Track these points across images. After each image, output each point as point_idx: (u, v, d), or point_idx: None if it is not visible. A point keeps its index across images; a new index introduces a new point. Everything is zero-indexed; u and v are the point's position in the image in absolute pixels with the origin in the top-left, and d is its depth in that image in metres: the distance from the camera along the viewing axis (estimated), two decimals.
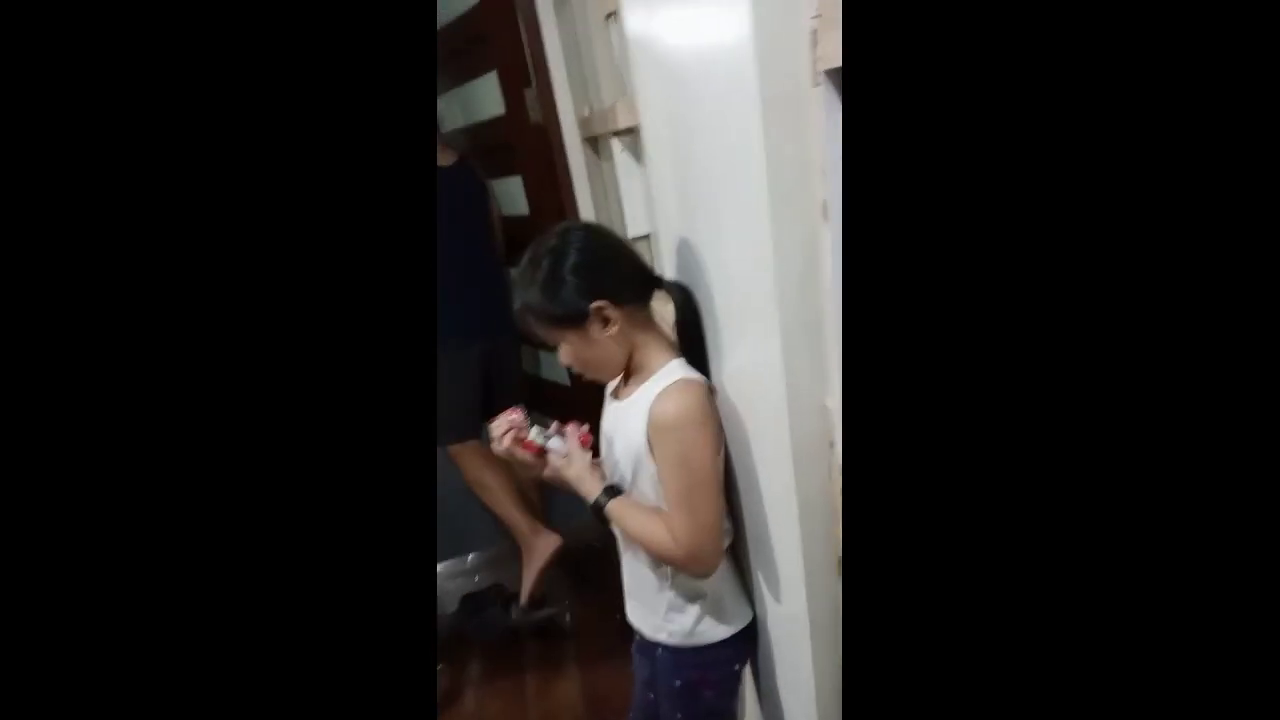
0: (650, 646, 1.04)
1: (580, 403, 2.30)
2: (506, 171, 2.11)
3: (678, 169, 0.88)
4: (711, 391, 0.86)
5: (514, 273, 0.90)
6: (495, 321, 1.85)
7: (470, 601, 2.03)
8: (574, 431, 0.98)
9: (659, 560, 0.91)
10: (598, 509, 0.91)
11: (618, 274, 0.87)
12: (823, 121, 0.56)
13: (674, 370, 0.87)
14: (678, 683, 0.99)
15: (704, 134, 0.75)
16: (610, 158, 1.52)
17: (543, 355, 2.51)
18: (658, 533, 0.86)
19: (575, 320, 0.84)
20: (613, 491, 0.91)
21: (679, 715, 1.01)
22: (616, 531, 0.96)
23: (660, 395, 0.83)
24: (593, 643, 1.82)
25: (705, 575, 0.90)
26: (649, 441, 0.85)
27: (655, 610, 0.98)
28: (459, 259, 1.78)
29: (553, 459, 0.96)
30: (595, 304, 0.83)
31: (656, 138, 0.95)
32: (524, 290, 0.86)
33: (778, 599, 0.87)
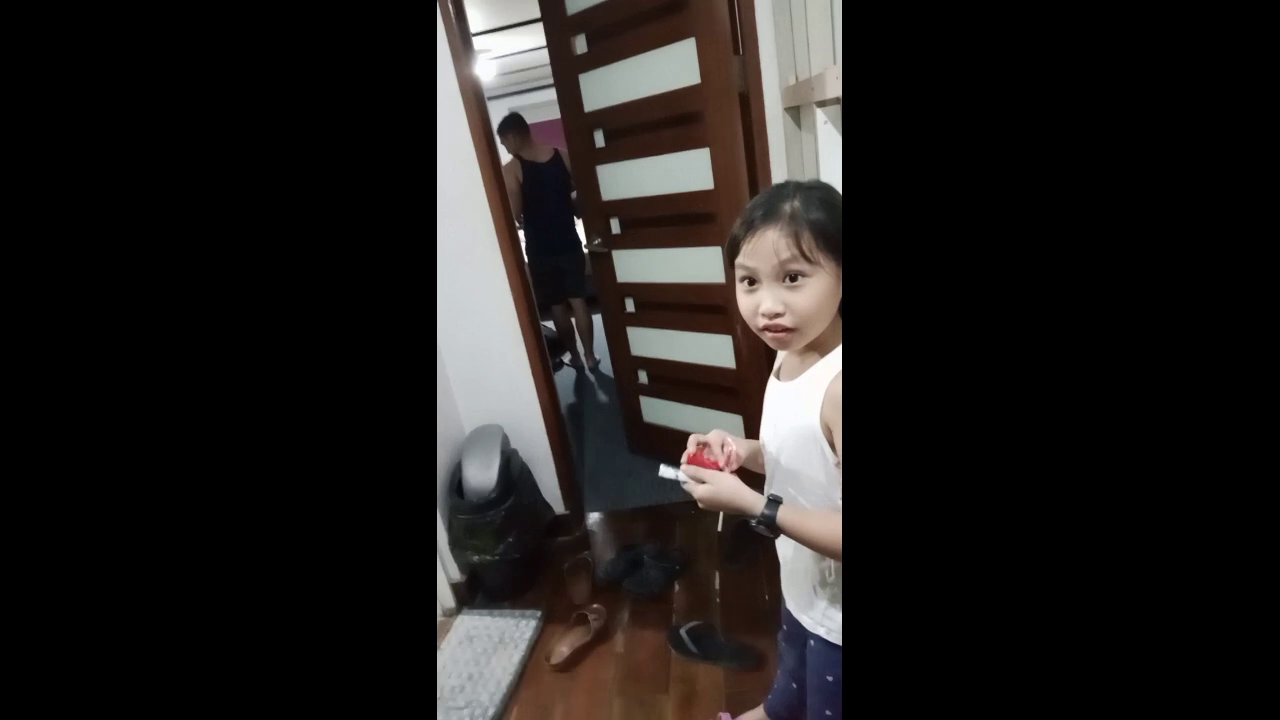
0: (800, 636, 1.02)
1: (741, 382, 2.25)
2: (689, 144, 2.03)
3: None
4: None
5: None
6: (563, 246, 3.71)
7: (628, 553, 2.12)
8: (705, 456, 0.92)
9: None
10: (768, 521, 0.84)
11: None
12: None
13: None
14: (830, 678, 0.97)
15: None
16: (813, 129, 1.45)
17: (699, 339, 2.41)
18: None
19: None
20: (776, 502, 0.85)
21: (828, 711, 0.99)
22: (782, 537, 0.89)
23: (839, 377, 0.80)
24: (738, 620, 1.83)
25: None
26: (826, 425, 0.82)
27: (814, 604, 0.96)
28: (549, 223, 3.66)
29: (694, 490, 0.89)
30: None
31: None
32: (808, 208, 0.80)
33: None
